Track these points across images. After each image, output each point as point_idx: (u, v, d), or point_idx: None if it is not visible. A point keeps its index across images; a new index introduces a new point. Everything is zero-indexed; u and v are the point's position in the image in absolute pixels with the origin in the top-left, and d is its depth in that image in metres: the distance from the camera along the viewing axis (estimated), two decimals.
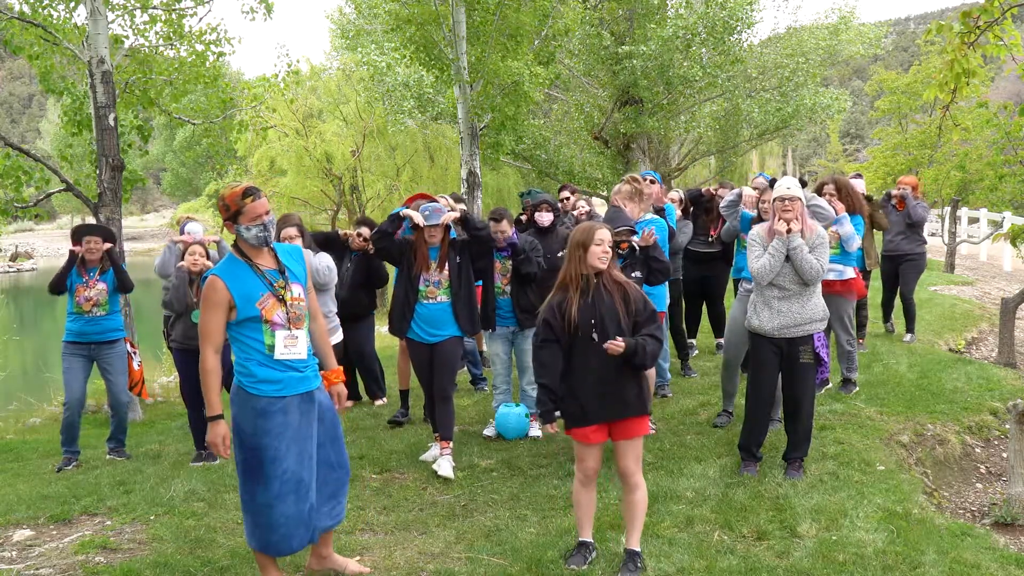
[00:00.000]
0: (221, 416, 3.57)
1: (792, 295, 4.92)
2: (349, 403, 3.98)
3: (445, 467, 5.32)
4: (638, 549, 3.86)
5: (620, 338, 3.70)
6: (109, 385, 6.54)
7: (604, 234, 3.80)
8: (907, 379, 7.10)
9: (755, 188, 7.16)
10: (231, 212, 3.56)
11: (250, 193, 3.57)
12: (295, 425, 3.59)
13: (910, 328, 8.84)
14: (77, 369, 6.36)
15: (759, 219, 6.14)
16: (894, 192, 8.73)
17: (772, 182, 5.63)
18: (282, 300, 3.61)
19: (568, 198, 7.61)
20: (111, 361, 6.45)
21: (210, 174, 38.24)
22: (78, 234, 6.34)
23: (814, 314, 4.94)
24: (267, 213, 3.61)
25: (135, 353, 6.82)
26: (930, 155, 16.92)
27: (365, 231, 7.08)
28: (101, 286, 6.34)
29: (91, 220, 8.59)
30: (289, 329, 3.61)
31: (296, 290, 3.69)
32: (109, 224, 8.53)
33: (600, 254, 3.78)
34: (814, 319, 4.94)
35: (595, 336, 3.75)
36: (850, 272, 6.57)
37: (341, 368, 4.02)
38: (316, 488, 3.68)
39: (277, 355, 3.57)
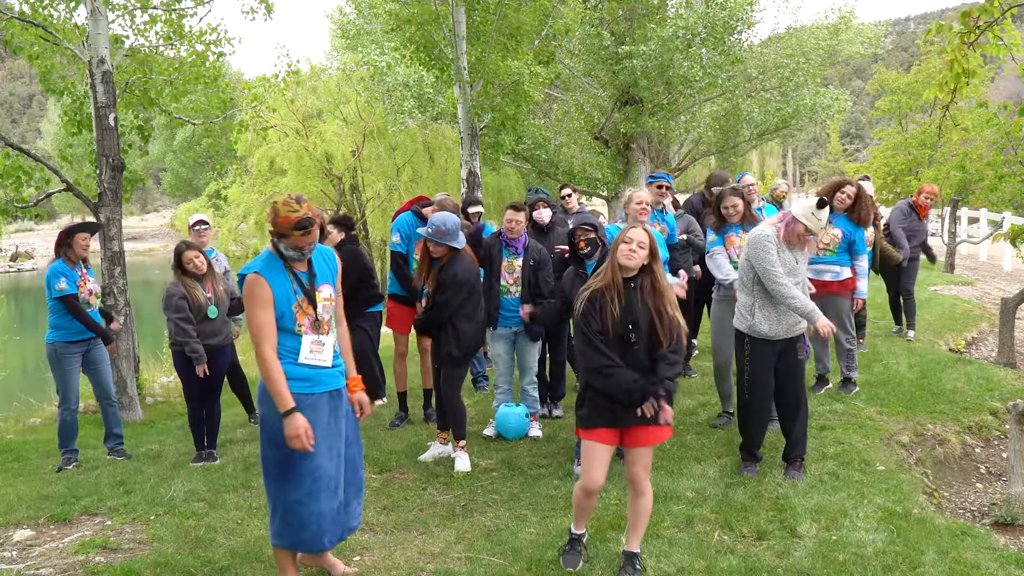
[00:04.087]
0: (295, 408, 3.44)
1: None
2: (368, 412, 3.94)
3: (462, 462, 5.45)
4: (637, 551, 3.85)
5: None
6: (99, 377, 6.49)
7: (636, 234, 3.71)
8: (907, 379, 7.10)
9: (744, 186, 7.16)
10: (277, 230, 3.50)
11: (302, 227, 3.46)
12: (324, 422, 3.59)
13: (911, 324, 8.87)
14: (76, 369, 6.35)
15: (721, 222, 5.99)
16: (920, 201, 8.70)
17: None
18: (312, 303, 3.60)
19: (570, 195, 7.63)
20: (101, 353, 6.46)
21: (210, 174, 38.22)
22: (70, 232, 6.31)
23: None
24: (311, 245, 3.56)
25: None
26: (930, 155, 16.93)
27: (333, 233, 6.63)
28: (92, 279, 6.43)
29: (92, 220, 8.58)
30: (317, 334, 3.59)
31: (326, 291, 3.67)
32: (109, 224, 8.54)
33: (627, 252, 3.69)
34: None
35: (632, 340, 3.66)
36: (847, 272, 6.57)
37: (360, 376, 3.94)
38: (343, 486, 3.68)
39: (301, 359, 3.54)
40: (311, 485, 3.53)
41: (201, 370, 5.96)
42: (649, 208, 5.90)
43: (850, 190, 6.54)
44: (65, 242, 6.27)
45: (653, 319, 3.68)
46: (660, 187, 6.90)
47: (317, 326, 3.60)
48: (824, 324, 4.78)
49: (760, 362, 5.02)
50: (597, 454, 3.75)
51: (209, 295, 6.04)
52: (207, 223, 7.28)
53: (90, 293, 6.35)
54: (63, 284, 6.14)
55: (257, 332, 3.46)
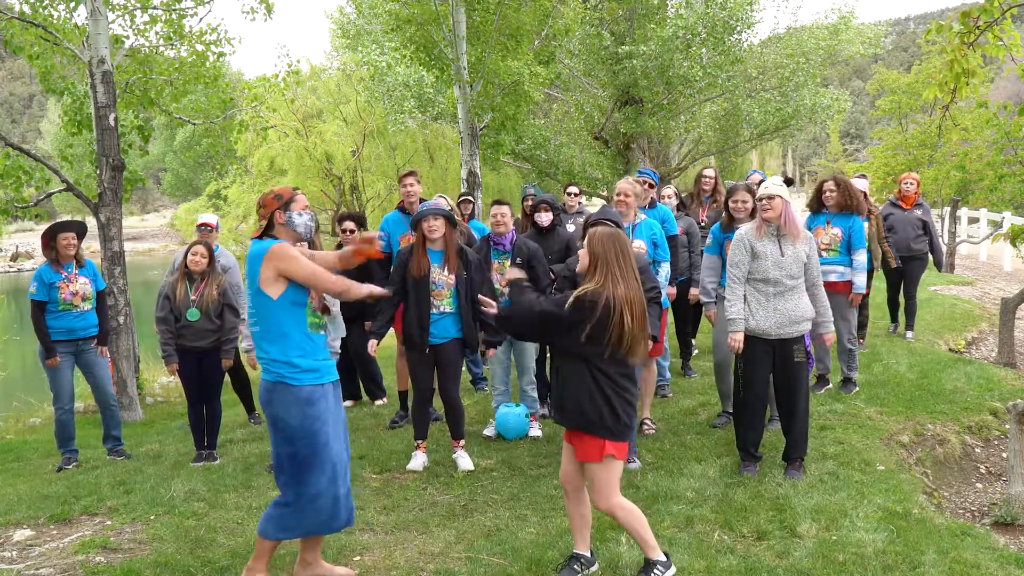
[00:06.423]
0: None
1: (787, 291, 4.90)
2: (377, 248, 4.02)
3: (464, 462, 5.47)
4: (652, 558, 3.65)
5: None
6: (95, 380, 6.47)
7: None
8: (907, 379, 7.10)
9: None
10: (283, 201, 3.72)
11: (296, 188, 3.82)
12: (333, 409, 3.73)
13: (910, 325, 8.86)
14: (65, 367, 6.32)
15: (730, 219, 5.87)
16: (903, 189, 8.68)
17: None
18: None
19: (576, 194, 7.56)
20: (93, 357, 6.43)
21: (210, 174, 38.26)
22: (52, 233, 6.26)
23: (806, 312, 4.94)
24: (307, 207, 3.85)
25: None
26: (930, 155, 16.94)
27: (349, 224, 6.97)
28: (83, 279, 6.29)
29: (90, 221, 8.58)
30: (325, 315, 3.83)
31: None
32: (109, 224, 8.55)
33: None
34: (806, 317, 4.94)
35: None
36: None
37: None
38: None
39: (331, 340, 3.80)
40: (332, 470, 3.66)
41: (170, 370, 6.09)
42: (630, 199, 5.67)
43: (830, 184, 6.54)
44: (50, 244, 6.26)
45: None
46: (642, 183, 6.89)
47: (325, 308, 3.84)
48: (730, 342, 4.98)
49: (749, 358, 5.01)
50: (563, 448, 3.82)
51: (194, 297, 5.97)
52: (208, 225, 7.17)
53: (73, 295, 6.21)
54: (33, 288, 6.20)
55: (314, 277, 3.60)
